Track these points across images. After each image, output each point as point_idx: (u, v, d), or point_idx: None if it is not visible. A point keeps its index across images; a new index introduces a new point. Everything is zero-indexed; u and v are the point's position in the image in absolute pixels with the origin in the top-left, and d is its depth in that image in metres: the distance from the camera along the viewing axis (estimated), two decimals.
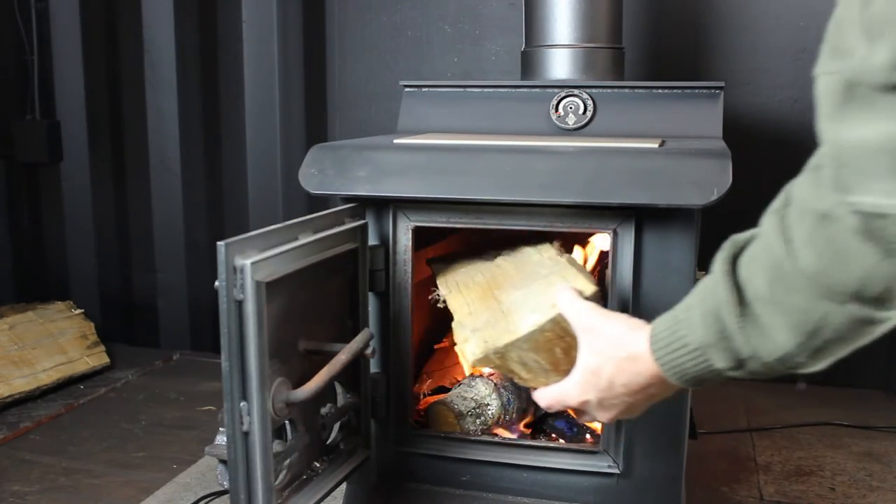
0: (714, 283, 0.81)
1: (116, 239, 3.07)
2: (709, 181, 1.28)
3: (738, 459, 2.12)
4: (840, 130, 0.62)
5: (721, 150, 1.38)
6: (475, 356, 1.25)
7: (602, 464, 1.47)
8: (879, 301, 0.67)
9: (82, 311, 2.84)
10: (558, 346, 1.19)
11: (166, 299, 3.02)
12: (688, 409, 1.44)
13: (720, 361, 0.83)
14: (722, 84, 1.72)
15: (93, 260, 3.06)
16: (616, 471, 1.46)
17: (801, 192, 0.70)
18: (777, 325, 0.75)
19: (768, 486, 1.98)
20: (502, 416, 1.60)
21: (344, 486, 1.52)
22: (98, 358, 2.76)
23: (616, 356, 0.96)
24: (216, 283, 1.08)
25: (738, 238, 0.81)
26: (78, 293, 3.05)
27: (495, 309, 1.32)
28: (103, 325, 2.96)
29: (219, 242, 1.06)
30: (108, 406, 2.52)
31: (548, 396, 1.07)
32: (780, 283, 0.73)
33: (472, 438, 1.55)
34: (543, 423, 1.68)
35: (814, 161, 0.68)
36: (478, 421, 1.57)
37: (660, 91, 1.73)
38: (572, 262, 1.40)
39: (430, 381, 1.75)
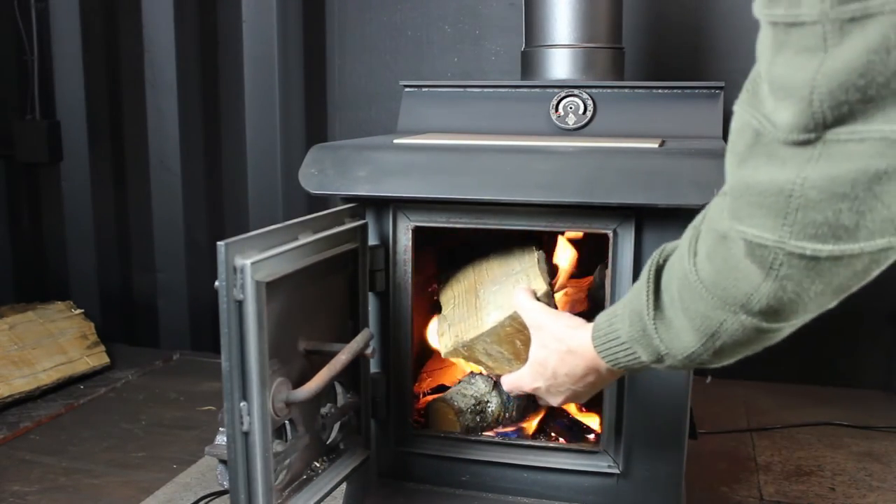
0: (640, 286, 0.92)
1: (116, 239, 3.06)
2: (709, 181, 1.28)
3: (738, 459, 2.12)
4: (742, 168, 0.71)
5: (721, 150, 1.38)
6: (447, 348, 1.47)
7: (602, 464, 1.47)
8: (765, 314, 0.76)
9: (82, 311, 2.84)
10: (518, 338, 1.35)
11: (166, 299, 3.02)
12: (688, 409, 1.44)
13: (644, 355, 0.95)
14: (722, 84, 1.71)
15: (93, 260, 3.06)
16: (616, 471, 1.46)
17: (712, 212, 0.79)
18: (685, 327, 0.86)
19: (768, 486, 1.98)
20: (503, 414, 1.60)
21: (344, 486, 1.52)
22: (98, 358, 2.76)
23: (558, 349, 1.12)
24: (216, 283, 1.08)
25: (667, 246, 0.92)
26: (78, 293, 3.05)
27: (471, 304, 1.48)
28: (103, 325, 2.96)
29: (219, 242, 1.06)
30: (108, 406, 2.52)
31: (508, 382, 1.24)
32: (687, 291, 0.83)
33: (472, 438, 1.55)
34: (543, 423, 1.68)
35: (723, 187, 0.77)
36: (478, 418, 1.57)
37: (660, 91, 1.73)
38: (539, 261, 1.49)
39: (430, 379, 1.75)
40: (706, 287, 0.80)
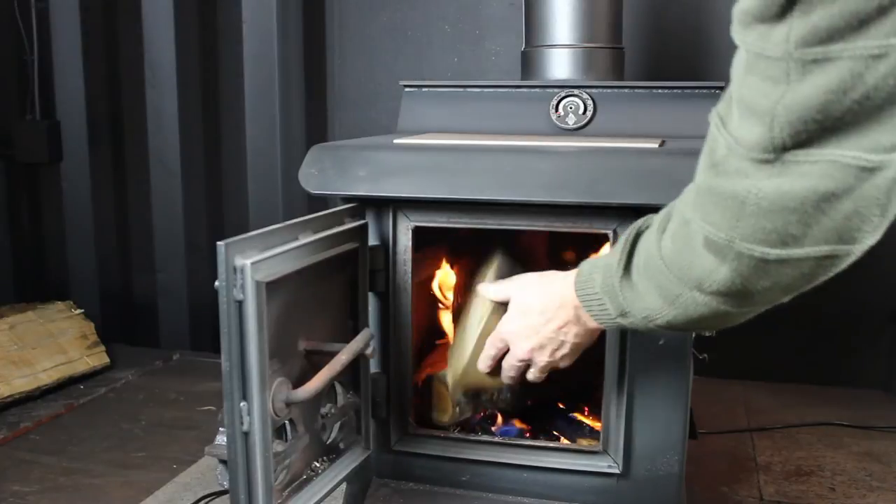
0: (619, 245, 1.02)
1: (116, 239, 3.06)
2: None
3: (738, 459, 2.12)
4: (711, 170, 0.79)
5: None
6: (451, 389, 1.51)
7: (602, 464, 1.47)
8: (717, 295, 0.84)
9: (82, 311, 2.83)
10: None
11: (166, 299, 3.01)
12: (688, 409, 1.44)
13: (611, 309, 1.04)
14: (722, 84, 1.69)
15: (93, 260, 3.06)
16: (616, 471, 1.46)
17: (684, 196, 0.88)
18: (648, 290, 0.95)
19: (768, 486, 1.98)
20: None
21: (344, 486, 1.52)
22: (98, 358, 2.76)
23: (536, 288, 1.23)
24: (216, 283, 1.08)
25: (651, 216, 0.99)
26: (78, 293, 3.05)
27: (458, 337, 1.50)
28: (103, 325, 2.95)
29: (219, 242, 1.06)
30: (108, 406, 2.52)
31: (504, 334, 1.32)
32: (651, 262, 0.93)
33: (472, 438, 1.55)
34: (543, 423, 1.68)
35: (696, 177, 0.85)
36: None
37: (660, 91, 1.73)
38: (496, 264, 1.52)
39: (430, 368, 1.75)
40: (666, 263, 0.89)
